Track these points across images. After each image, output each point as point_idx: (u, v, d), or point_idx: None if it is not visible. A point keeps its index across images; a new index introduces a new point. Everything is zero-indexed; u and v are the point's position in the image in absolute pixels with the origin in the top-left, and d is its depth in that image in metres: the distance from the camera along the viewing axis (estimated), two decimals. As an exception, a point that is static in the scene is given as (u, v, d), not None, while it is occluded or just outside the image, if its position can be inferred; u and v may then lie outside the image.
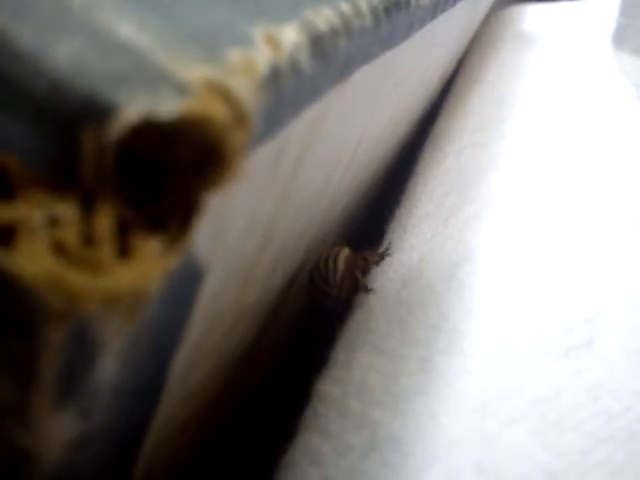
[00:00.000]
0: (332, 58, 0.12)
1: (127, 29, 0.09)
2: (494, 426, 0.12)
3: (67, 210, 0.08)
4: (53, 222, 0.08)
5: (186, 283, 0.10)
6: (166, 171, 0.08)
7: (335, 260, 0.18)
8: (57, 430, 0.09)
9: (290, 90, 0.10)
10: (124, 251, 0.08)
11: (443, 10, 0.25)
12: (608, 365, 0.14)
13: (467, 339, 0.14)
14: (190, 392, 0.15)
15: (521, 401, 0.13)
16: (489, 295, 0.16)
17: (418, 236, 0.19)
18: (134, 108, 0.08)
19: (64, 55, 0.08)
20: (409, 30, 0.19)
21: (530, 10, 0.55)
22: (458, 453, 0.12)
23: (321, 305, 0.18)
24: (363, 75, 0.15)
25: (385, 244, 0.20)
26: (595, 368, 0.14)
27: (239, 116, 0.09)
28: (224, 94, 0.09)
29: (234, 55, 0.09)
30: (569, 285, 0.16)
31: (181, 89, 0.08)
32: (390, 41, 0.17)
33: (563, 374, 0.13)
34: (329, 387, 0.14)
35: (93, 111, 0.08)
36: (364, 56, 0.15)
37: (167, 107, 0.08)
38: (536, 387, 0.13)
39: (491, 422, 0.12)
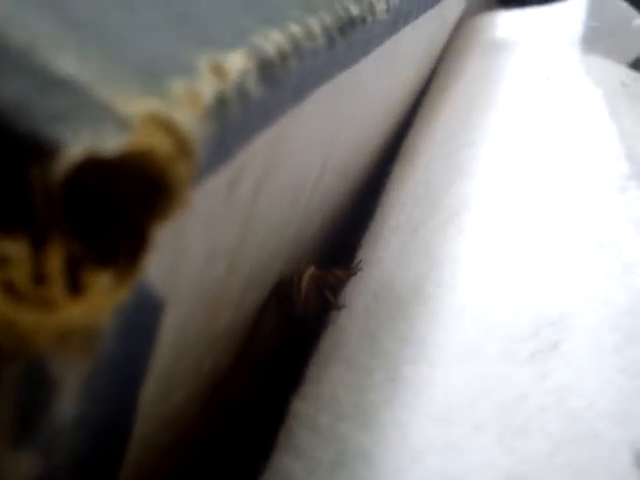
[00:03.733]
0: (283, 82, 0.12)
1: (68, 65, 0.09)
2: (460, 434, 0.13)
3: (17, 249, 0.08)
4: (3, 262, 0.08)
5: (144, 315, 0.10)
6: (113, 206, 0.09)
7: (299, 279, 0.18)
8: (17, 470, 0.09)
9: (238, 118, 0.11)
10: (75, 288, 0.08)
11: (405, 23, 0.25)
12: (574, 367, 0.14)
13: (434, 348, 0.15)
14: (168, 416, 0.15)
15: (486, 407, 0.13)
16: (455, 303, 0.16)
17: (387, 249, 0.19)
18: (77, 145, 0.08)
19: (6, 96, 0.08)
20: (367, 47, 0.19)
21: (499, 17, 0.55)
22: (424, 463, 0.12)
23: (288, 324, 0.18)
24: (320, 96, 0.15)
25: (356, 260, 0.20)
26: (561, 370, 0.14)
27: (182, 147, 0.09)
28: (166, 126, 0.09)
29: (178, 86, 0.09)
30: (534, 289, 0.16)
31: (123, 124, 0.08)
32: (346, 60, 0.17)
33: (528, 378, 0.14)
34: (301, 404, 0.14)
35: (37, 150, 0.08)
36: (318, 77, 0.15)
37: (110, 143, 0.08)
38: (501, 393, 0.13)
39: (457, 430, 0.13)
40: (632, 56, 0.56)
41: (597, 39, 0.49)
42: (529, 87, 0.33)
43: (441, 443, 0.12)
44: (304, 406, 0.14)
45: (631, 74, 0.50)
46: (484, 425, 0.13)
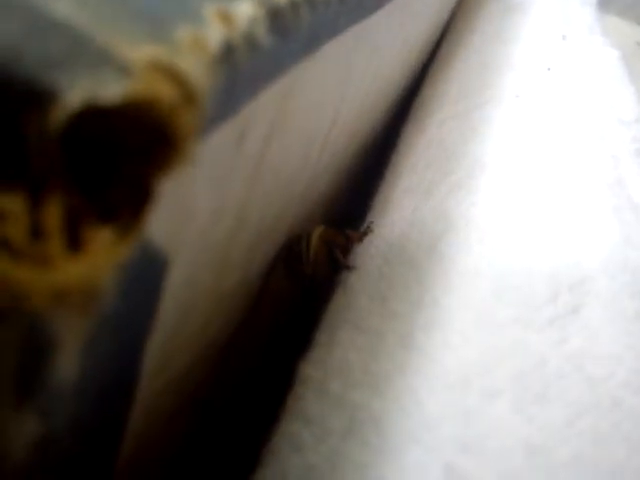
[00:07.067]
0: (294, 33, 0.12)
1: (65, 7, 0.08)
2: (475, 401, 0.12)
3: (13, 203, 0.08)
4: (-1, 217, 0.08)
5: (148, 273, 0.10)
6: (114, 157, 0.08)
7: (308, 238, 0.17)
8: (20, 431, 0.08)
9: (247, 67, 0.10)
10: (74, 243, 0.08)
11: (419, -22, 0.24)
12: (593, 332, 0.13)
13: (448, 313, 0.14)
14: (172, 381, 0.15)
15: (503, 374, 0.13)
16: (469, 267, 0.16)
17: (399, 210, 0.19)
18: (75, 93, 0.08)
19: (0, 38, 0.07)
20: (379, 0, 0.18)
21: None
22: (438, 430, 0.12)
23: (297, 284, 0.18)
24: (333, 49, 0.15)
25: (367, 221, 0.20)
26: (579, 336, 0.13)
27: (188, 96, 0.08)
28: (171, 74, 0.08)
29: (183, 32, 0.09)
30: (552, 253, 0.16)
31: (124, 70, 0.08)
32: (359, 13, 0.16)
33: (546, 344, 0.13)
34: (310, 369, 0.14)
35: (33, 98, 0.08)
36: (331, 29, 0.14)
37: (110, 90, 0.08)
38: (519, 359, 0.13)
39: (472, 397, 0.12)
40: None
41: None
42: (545, 47, 0.32)
43: (456, 410, 0.12)
44: (313, 371, 0.13)
45: (646, 35, 0.49)
46: (500, 392, 0.12)
